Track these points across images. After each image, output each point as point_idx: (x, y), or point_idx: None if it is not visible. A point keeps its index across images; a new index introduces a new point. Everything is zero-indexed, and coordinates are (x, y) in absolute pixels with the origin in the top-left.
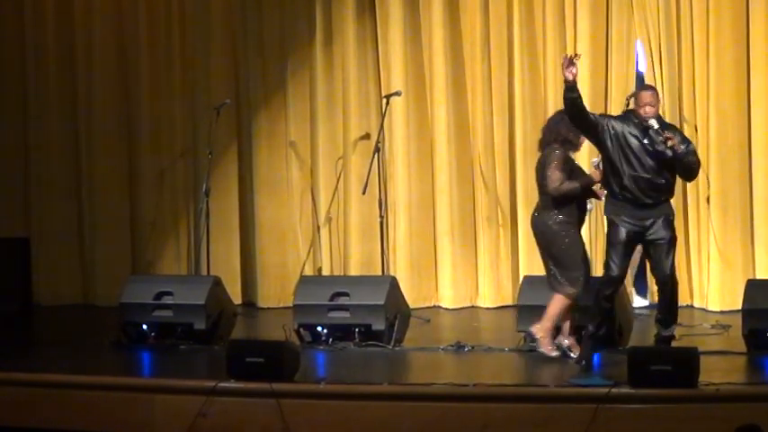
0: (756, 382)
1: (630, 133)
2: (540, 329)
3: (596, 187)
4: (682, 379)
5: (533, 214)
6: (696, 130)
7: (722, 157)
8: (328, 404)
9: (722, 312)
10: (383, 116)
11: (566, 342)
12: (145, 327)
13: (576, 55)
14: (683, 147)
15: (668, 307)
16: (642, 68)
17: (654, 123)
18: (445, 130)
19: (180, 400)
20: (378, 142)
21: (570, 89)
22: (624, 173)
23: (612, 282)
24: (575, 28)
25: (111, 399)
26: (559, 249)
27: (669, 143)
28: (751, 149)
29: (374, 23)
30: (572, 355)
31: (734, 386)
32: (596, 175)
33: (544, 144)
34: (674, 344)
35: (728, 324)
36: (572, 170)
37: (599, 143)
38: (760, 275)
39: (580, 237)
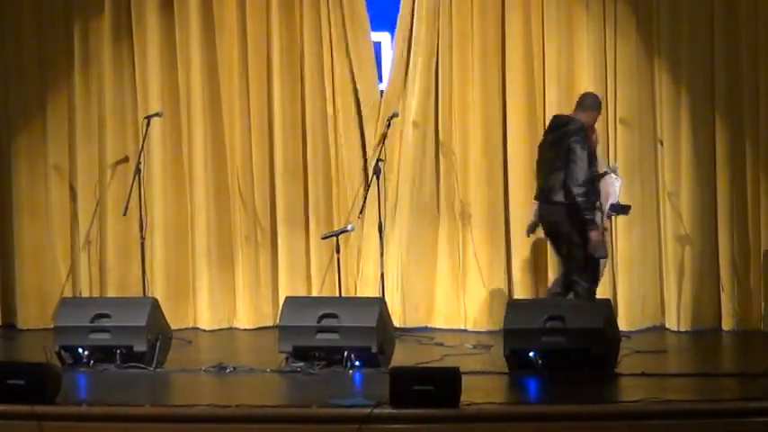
0: (517, 401)
1: None
2: None
3: None
4: (443, 399)
5: None
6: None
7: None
8: (90, 426)
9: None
10: (144, 137)
11: None
12: None
13: None
14: None
15: None
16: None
17: None
18: (203, 150)
19: None
20: (139, 163)
21: None
22: None
23: None
24: (330, 46)
25: None
26: None
27: None
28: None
29: (131, 44)
30: None
31: (495, 406)
32: None
33: None
34: (436, 364)
35: (490, 344)
36: None
37: None
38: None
39: None
